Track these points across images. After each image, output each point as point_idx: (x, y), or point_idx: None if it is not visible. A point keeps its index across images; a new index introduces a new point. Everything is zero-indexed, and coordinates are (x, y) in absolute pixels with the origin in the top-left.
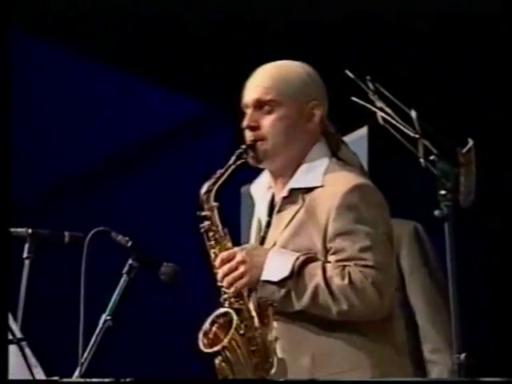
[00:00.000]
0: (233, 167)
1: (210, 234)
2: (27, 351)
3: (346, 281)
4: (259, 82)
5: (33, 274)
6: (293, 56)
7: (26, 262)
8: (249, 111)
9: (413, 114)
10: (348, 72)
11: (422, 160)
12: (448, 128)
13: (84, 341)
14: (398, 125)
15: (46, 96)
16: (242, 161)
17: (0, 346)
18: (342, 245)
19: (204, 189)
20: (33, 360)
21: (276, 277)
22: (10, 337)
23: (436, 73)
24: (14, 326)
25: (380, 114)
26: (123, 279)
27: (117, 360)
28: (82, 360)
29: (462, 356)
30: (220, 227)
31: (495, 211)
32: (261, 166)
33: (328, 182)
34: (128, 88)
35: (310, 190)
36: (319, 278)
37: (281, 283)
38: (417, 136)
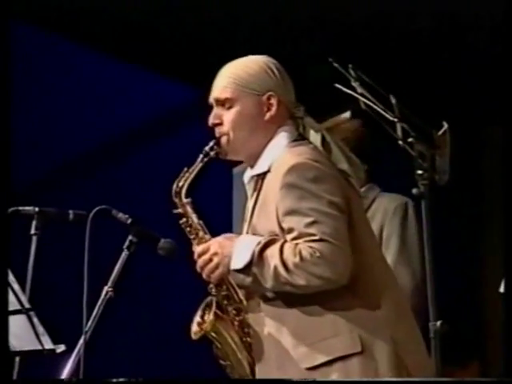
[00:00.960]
0: (200, 165)
1: (188, 229)
2: (35, 320)
3: (298, 258)
4: (217, 82)
5: (40, 249)
6: (279, 45)
7: (34, 238)
8: (213, 109)
9: (392, 99)
10: (332, 60)
11: (400, 142)
12: (424, 112)
13: (87, 310)
14: (378, 109)
15: (48, 81)
16: (209, 157)
17: (1, 347)
18: (291, 224)
19: (174, 188)
20: (40, 329)
21: (240, 264)
22: (19, 307)
23: (414, 62)
24: (23, 297)
25: (362, 99)
26: (124, 254)
27: (118, 328)
28: (86, 328)
29: (438, 323)
30: (195, 221)
31: (467, 189)
32: (228, 158)
33: (275, 166)
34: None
35: (263, 175)
36: (276, 260)
37: (245, 270)
38: (396, 120)
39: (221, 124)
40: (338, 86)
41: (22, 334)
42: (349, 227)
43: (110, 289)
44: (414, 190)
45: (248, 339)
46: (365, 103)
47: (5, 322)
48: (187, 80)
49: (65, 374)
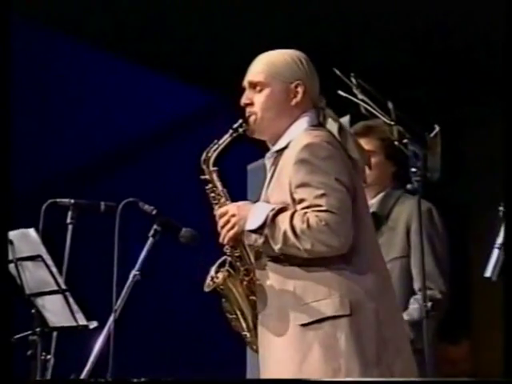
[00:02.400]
0: (229, 138)
1: (212, 194)
2: (70, 300)
3: (305, 225)
4: (252, 68)
5: (75, 237)
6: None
7: (69, 226)
8: (246, 91)
9: (389, 105)
10: (335, 70)
11: (396, 143)
12: (418, 117)
13: (117, 292)
14: (376, 113)
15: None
16: (238, 133)
17: (2, 349)
18: (302, 195)
19: (203, 156)
20: (75, 307)
21: (254, 225)
22: (57, 288)
23: (409, 71)
24: (60, 279)
25: (362, 104)
26: (149, 241)
27: (143, 307)
28: (116, 307)
29: (429, 304)
30: (220, 188)
31: (456, 185)
32: (254, 136)
33: (292, 144)
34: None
35: (281, 151)
36: (287, 225)
37: (258, 231)
38: (392, 123)
39: (251, 104)
40: (340, 92)
41: (59, 312)
42: (353, 208)
43: (137, 272)
44: (409, 186)
45: (254, 298)
46: (365, 108)
47: (5, 321)
48: (202, 84)
49: (96, 347)
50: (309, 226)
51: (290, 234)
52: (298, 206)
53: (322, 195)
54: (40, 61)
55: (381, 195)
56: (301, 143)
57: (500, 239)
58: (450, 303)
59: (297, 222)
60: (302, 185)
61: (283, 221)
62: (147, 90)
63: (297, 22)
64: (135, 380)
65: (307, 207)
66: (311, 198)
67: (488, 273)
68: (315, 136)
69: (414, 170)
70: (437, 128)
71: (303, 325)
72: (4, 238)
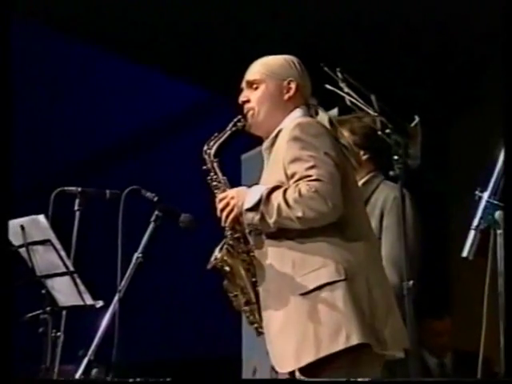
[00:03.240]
0: (229, 132)
1: (213, 183)
2: (78, 281)
3: (297, 194)
4: (249, 69)
5: (82, 222)
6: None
7: (77, 213)
8: (243, 91)
9: (372, 97)
10: (323, 65)
11: (379, 132)
12: (400, 108)
13: (121, 273)
14: (361, 105)
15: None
16: (236, 128)
17: (2, 349)
18: (294, 169)
19: (205, 148)
20: (82, 287)
21: (251, 204)
22: (65, 270)
23: (392, 66)
24: (68, 262)
25: (347, 97)
26: (151, 226)
27: (145, 287)
28: (120, 288)
29: (410, 283)
30: (220, 176)
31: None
32: (251, 131)
33: (285, 128)
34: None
35: (275, 138)
36: (280, 198)
37: (254, 208)
38: (376, 114)
39: (248, 102)
40: (327, 86)
41: (68, 292)
42: (343, 183)
43: (139, 255)
44: (391, 172)
45: (249, 273)
46: (350, 101)
47: (5, 322)
48: (200, 82)
49: (102, 324)
50: (300, 194)
51: (283, 205)
52: (291, 181)
53: (312, 167)
54: (50, 61)
55: (360, 182)
56: (293, 124)
57: (476, 221)
58: (430, 282)
59: (289, 194)
60: (294, 160)
61: (277, 196)
62: (149, 86)
63: (290, 23)
64: (132, 380)
65: (299, 179)
66: (302, 170)
67: (465, 253)
68: (306, 118)
69: (396, 157)
70: (417, 119)
71: (302, 294)
72: (4, 230)
